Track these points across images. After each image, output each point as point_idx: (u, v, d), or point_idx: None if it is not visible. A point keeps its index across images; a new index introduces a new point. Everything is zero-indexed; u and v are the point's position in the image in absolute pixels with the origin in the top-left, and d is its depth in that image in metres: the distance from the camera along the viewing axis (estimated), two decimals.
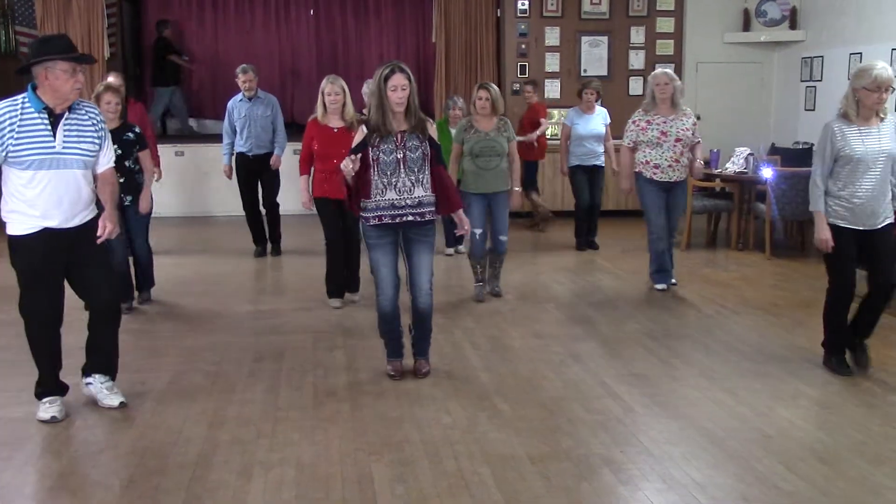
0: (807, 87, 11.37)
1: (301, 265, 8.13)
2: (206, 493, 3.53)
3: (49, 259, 4.11)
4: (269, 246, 8.69)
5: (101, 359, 4.43)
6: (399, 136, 4.62)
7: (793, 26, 11.58)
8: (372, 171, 4.62)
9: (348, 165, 4.48)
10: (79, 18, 10.91)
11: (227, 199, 8.37)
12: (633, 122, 6.84)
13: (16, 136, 3.95)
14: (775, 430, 4.15)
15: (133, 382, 4.81)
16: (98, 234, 4.21)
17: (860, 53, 10.12)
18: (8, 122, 3.96)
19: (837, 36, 10.67)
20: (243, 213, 8.63)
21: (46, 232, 4.07)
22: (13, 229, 4.10)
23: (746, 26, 11.84)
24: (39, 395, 4.32)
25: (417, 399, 4.57)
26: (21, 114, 3.99)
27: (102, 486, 3.61)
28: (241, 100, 8.24)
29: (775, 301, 6.72)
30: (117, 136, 5.82)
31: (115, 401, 4.40)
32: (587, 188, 8.83)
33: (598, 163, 8.81)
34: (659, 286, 6.95)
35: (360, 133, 4.63)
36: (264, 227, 8.63)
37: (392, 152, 4.62)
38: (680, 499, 3.48)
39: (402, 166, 4.63)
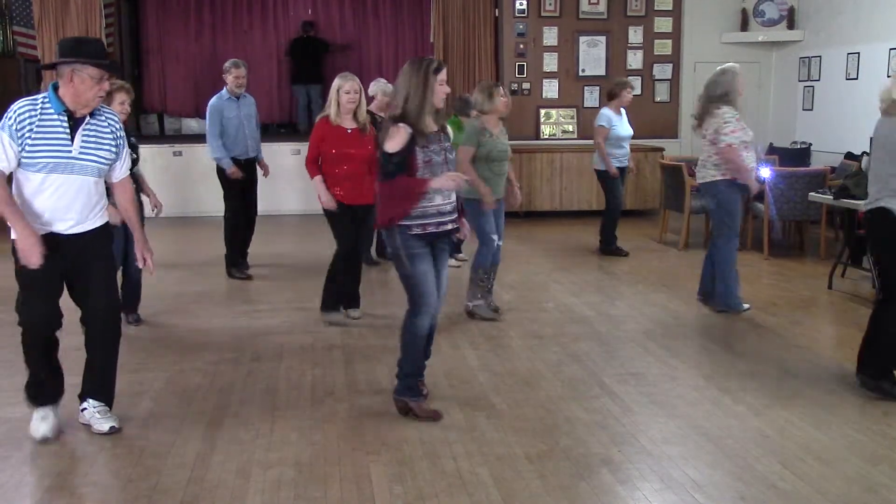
0: (805, 86, 11.39)
1: (297, 266, 8.12)
2: (204, 492, 3.53)
3: (52, 264, 3.93)
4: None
5: (96, 381, 4.19)
6: (437, 135, 4.22)
7: (791, 26, 11.60)
8: (423, 174, 4.13)
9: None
10: (76, 18, 10.91)
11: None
12: (737, 120, 6.09)
13: (33, 136, 3.82)
14: (773, 430, 4.15)
15: (131, 382, 4.81)
16: (140, 266, 4.28)
17: (858, 53, 10.14)
18: (27, 122, 3.82)
19: (835, 36, 10.69)
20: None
21: (52, 237, 3.94)
22: (14, 234, 3.88)
23: (744, 26, 11.86)
24: (34, 400, 4.11)
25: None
26: (40, 114, 3.85)
27: (101, 486, 3.61)
28: (228, 98, 7.44)
29: (773, 300, 6.73)
30: None
31: (104, 425, 4.12)
32: (623, 191, 8.65)
33: (627, 164, 8.60)
34: (747, 305, 6.30)
35: (405, 132, 4.07)
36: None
37: (440, 152, 4.17)
38: (678, 498, 3.49)
39: (447, 167, 4.20)
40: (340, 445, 3.99)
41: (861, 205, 5.05)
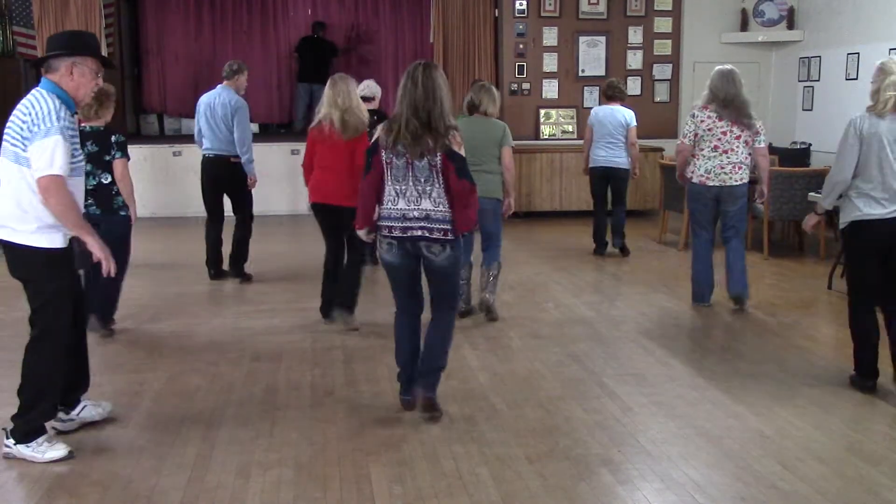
0: (804, 87, 11.38)
1: (295, 266, 8.11)
2: (203, 493, 3.53)
3: (75, 270, 3.88)
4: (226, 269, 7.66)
5: (87, 378, 4.23)
6: None
7: (790, 26, 11.59)
8: None
9: None
10: (76, 18, 10.90)
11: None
12: None
13: (73, 139, 3.73)
14: (773, 430, 4.15)
15: (131, 383, 4.81)
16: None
17: (857, 53, 10.14)
18: (69, 123, 3.69)
19: (835, 36, 10.68)
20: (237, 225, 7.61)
21: (72, 241, 3.84)
22: (51, 241, 3.73)
23: (744, 26, 11.86)
24: (37, 431, 3.84)
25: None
26: (69, 114, 3.74)
27: (100, 487, 3.60)
28: None
29: (773, 301, 6.72)
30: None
31: (108, 406, 4.28)
32: None
33: None
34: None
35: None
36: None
37: None
38: (678, 498, 3.49)
39: None
40: (340, 446, 3.99)
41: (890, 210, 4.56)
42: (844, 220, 4.65)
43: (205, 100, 7.33)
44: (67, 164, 3.66)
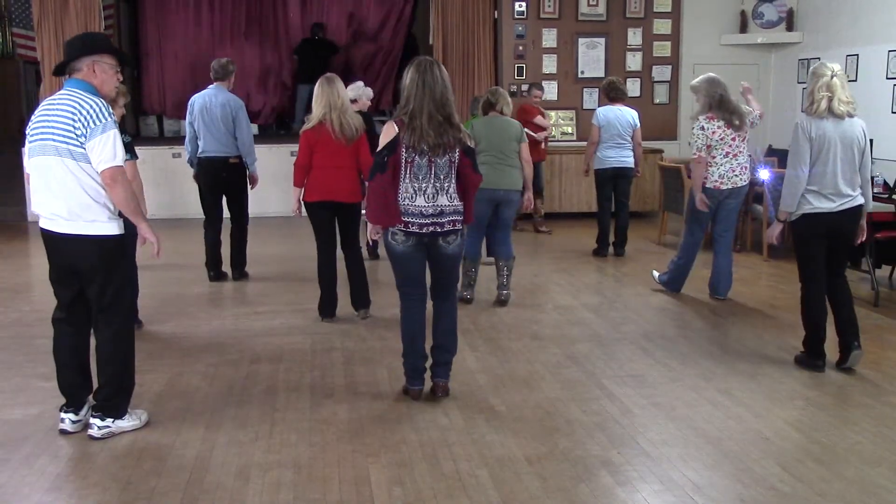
0: (804, 88, 11.36)
1: (294, 268, 8.11)
2: (203, 494, 3.53)
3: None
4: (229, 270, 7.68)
5: (91, 379, 4.29)
6: None
7: (790, 28, 11.60)
8: None
9: None
10: (76, 20, 10.88)
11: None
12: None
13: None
14: (772, 431, 4.15)
15: None
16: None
17: (857, 55, 10.15)
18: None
19: (834, 37, 10.69)
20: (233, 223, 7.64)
21: None
22: (120, 228, 4.00)
23: (743, 28, 11.87)
24: (127, 406, 4.19)
25: (415, 401, 4.57)
26: None
27: (100, 488, 3.60)
28: None
29: (772, 302, 6.73)
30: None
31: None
32: None
33: None
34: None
35: None
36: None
37: None
38: (677, 500, 3.49)
39: None
40: (340, 447, 3.99)
41: (870, 206, 5.20)
42: (797, 213, 5.01)
43: (199, 101, 7.26)
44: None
